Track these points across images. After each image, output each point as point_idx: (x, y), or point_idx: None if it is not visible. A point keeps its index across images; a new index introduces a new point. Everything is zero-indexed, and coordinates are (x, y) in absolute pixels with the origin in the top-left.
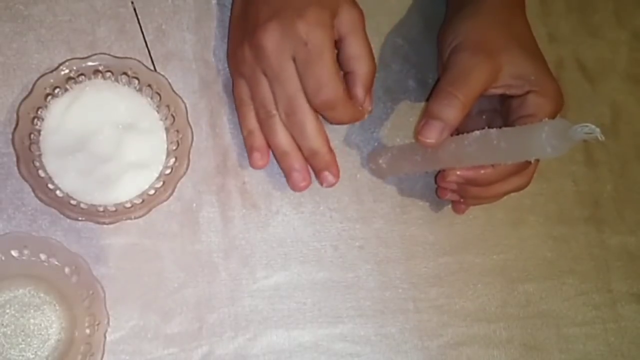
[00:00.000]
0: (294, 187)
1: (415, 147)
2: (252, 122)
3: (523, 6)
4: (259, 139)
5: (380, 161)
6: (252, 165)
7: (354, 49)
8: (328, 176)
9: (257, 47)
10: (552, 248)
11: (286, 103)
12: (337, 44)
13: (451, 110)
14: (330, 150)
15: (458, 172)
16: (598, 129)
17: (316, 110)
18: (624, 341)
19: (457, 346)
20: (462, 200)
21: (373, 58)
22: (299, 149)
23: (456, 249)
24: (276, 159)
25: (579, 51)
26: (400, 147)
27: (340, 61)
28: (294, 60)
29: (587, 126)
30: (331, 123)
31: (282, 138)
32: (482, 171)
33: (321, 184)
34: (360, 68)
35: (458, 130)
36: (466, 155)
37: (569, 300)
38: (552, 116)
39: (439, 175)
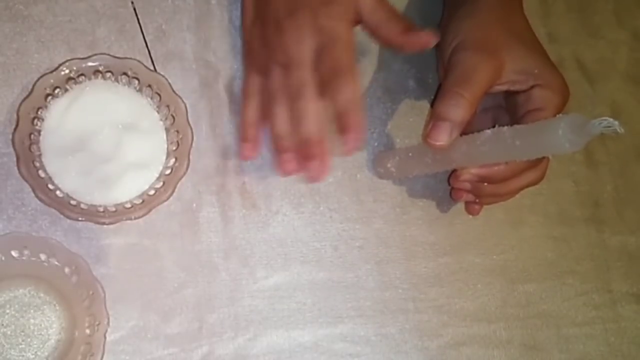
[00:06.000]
0: (281, 170)
1: (425, 149)
2: (253, 115)
3: (520, 2)
4: (254, 131)
5: (389, 165)
6: (242, 155)
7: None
8: (314, 169)
9: (276, 40)
10: (552, 248)
11: (295, 89)
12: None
13: (458, 110)
14: (324, 145)
15: (472, 171)
16: (617, 122)
17: (324, 83)
18: (624, 341)
19: (457, 346)
20: (477, 200)
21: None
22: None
23: (456, 249)
24: (271, 142)
25: (579, 51)
26: (408, 149)
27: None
28: (312, 50)
29: (605, 120)
30: (340, 108)
31: (282, 122)
32: (496, 167)
33: (306, 177)
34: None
35: (465, 130)
36: (479, 154)
37: (569, 301)
38: (560, 108)
39: (452, 176)
